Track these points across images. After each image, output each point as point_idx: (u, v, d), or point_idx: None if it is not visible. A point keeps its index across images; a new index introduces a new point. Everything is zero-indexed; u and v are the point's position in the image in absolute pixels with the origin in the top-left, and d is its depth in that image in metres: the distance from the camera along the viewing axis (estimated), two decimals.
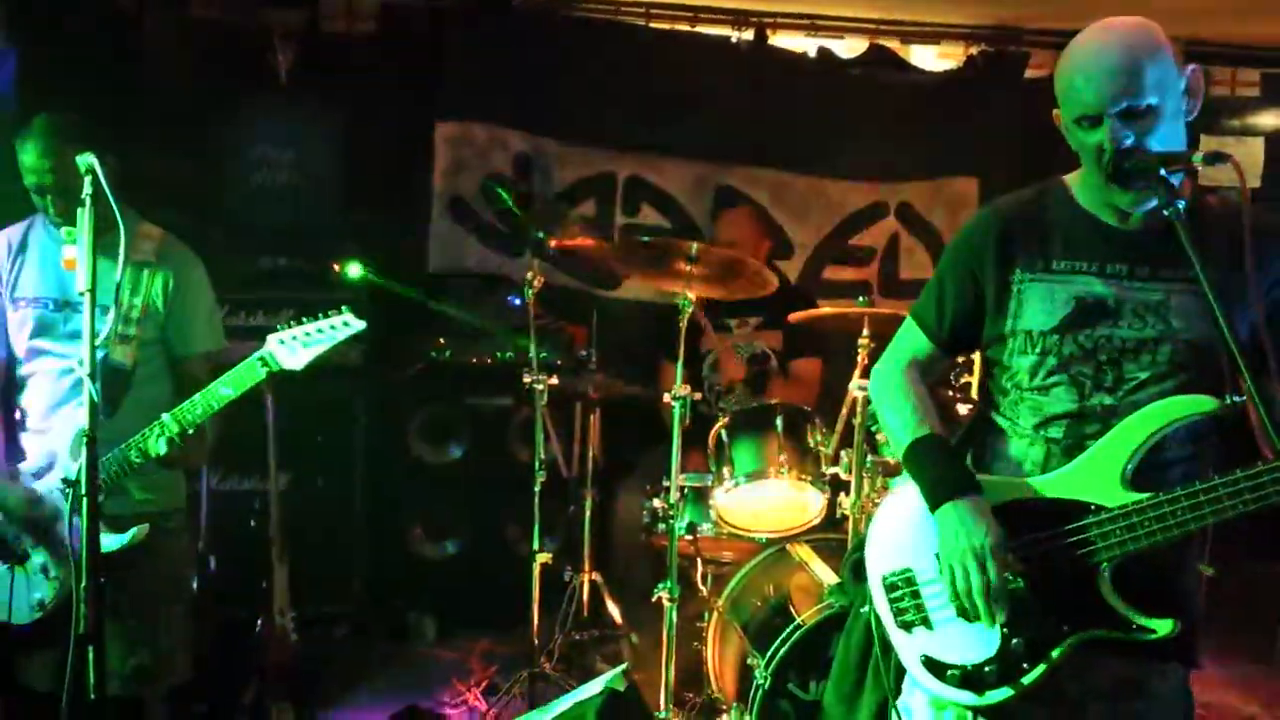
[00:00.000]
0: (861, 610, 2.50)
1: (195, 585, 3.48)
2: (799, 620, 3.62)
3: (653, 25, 5.74)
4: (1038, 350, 2.26)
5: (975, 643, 2.23)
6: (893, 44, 5.92)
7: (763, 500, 4.13)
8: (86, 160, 2.53)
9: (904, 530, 2.39)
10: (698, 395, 3.98)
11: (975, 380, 3.84)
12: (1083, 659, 2.18)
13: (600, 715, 3.35)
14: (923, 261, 5.95)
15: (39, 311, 3.12)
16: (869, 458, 3.84)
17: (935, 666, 2.28)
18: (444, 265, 5.60)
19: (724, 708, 3.95)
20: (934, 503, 2.26)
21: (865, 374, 3.89)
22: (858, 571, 2.48)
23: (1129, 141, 2.09)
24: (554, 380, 4.36)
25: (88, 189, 2.52)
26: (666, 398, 3.86)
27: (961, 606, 2.22)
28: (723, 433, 4.17)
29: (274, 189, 5.05)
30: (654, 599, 3.86)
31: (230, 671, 4.27)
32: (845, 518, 3.88)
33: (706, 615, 4.17)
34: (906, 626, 2.33)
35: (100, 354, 2.94)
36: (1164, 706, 2.28)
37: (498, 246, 5.63)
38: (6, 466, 3.12)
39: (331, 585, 4.95)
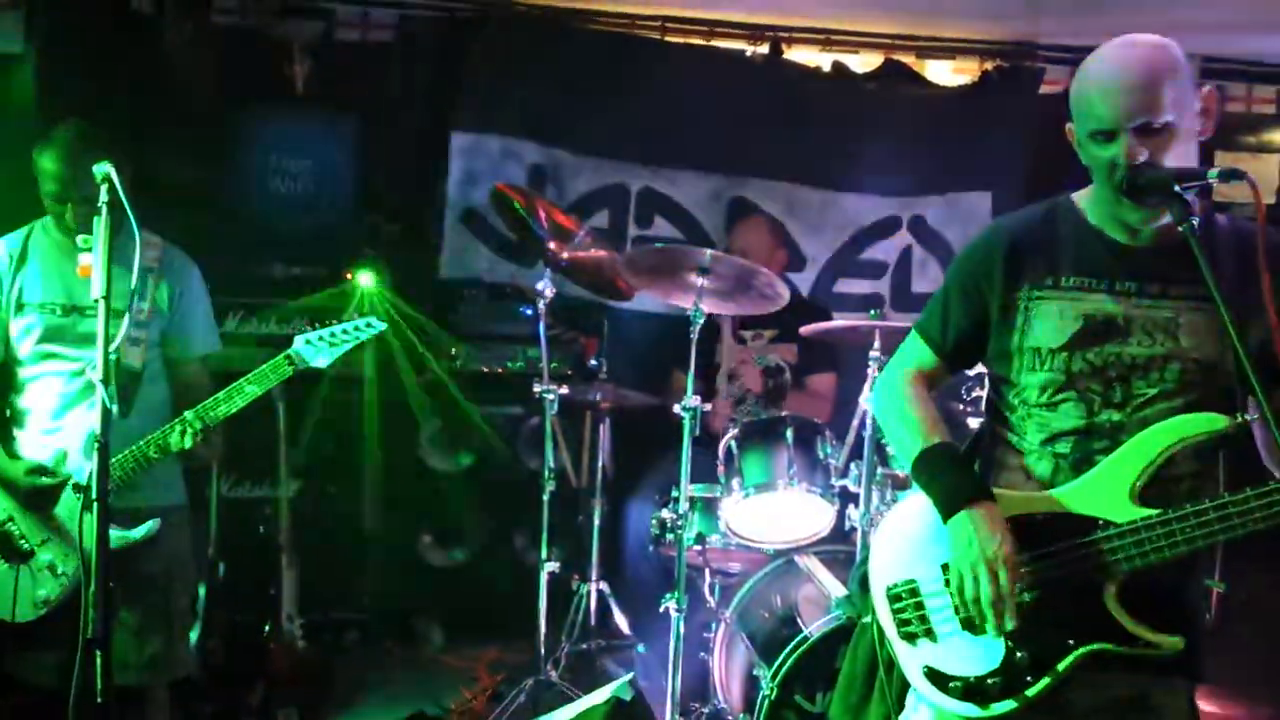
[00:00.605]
0: (865, 622, 2.49)
1: (198, 583, 3.50)
2: (806, 632, 3.62)
3: (668, 39, 5.76)
4: (1046, 367, 2.26)
5: (979, 655, 2.23)
6: (908, 59, 5.92)
7: (772, 511, 4.13)
8: (103, 169, 2.56)
9: (908, 541, 2.39)
10: (708, 406, 3.99)
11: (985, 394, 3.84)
12: (1088, 673, 2.17)
13: None
14: (935, 275, 5.95)
15: (47, 317, 3.15)
16: (879, 470, 3.84)
17: (938, 678, 2.27)
18: (456, 274, 5.62)
19: (730, 719, 3.94)
20: (947, 511, 2.25)
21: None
22: (865, 584, 2.47)
23: (1143, 158, 2.09)
24: (564, 390, 4.37)
25: (104, 197, 2.54)
26: (676, 408, 3.87)
27: (967, 618, 2.22)
28: (733, 443, 4.18)
29: (289, 197, 5.07)
30: (661, 609, 3.87)
31: (238, 676, 4.29)
32: (854, 530, 3.88)
33: (714, 625, 4.16)
34: (910, 638, 2.32)
35: (113, 356, 2.99)
36: (1172, 713, 2.26)
37: (510, 256, 5.64)
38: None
39: (340, 592, 4.97)
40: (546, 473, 4.31)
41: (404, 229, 5.59)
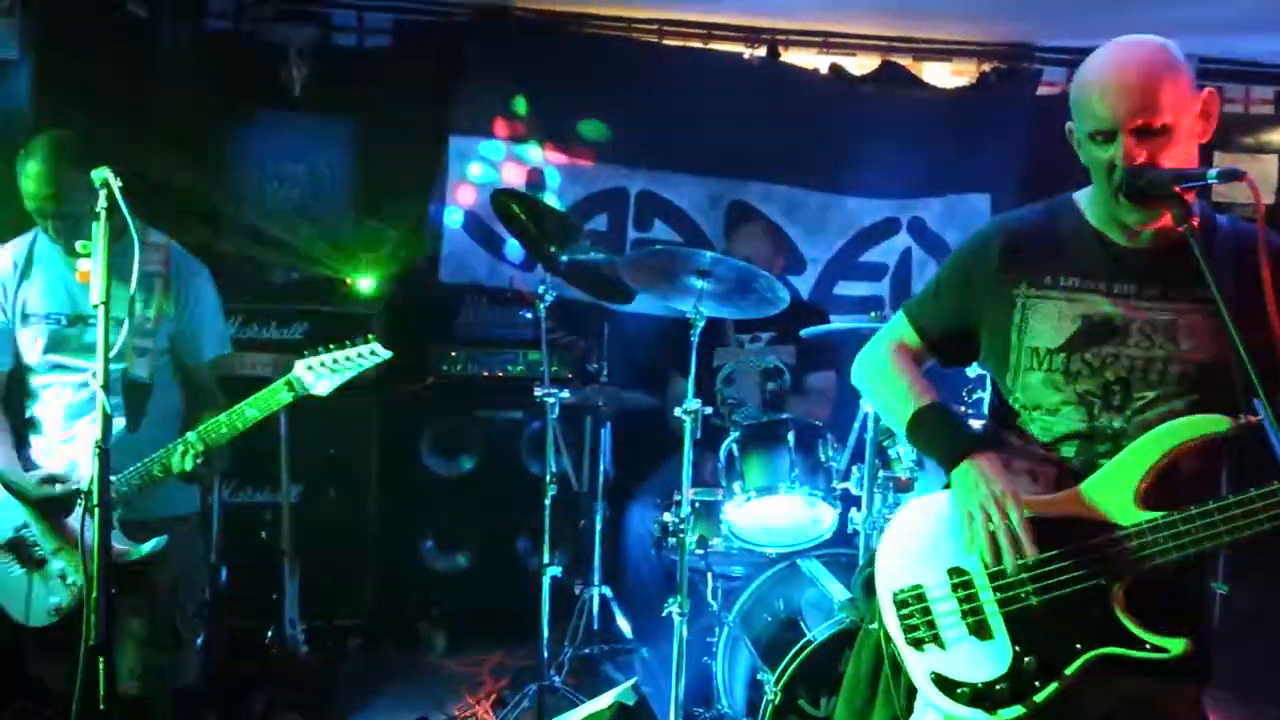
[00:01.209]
0: (871, 627, 2.49)
1: (206, 590, 3.50)
2: (809, 636, 3.61)
3: (666, 42, 5.76)
4: (1044, 368, 2.27)
5: (987, 660, 2.22)
6: (905, 61, 5.93)
7: (774, 515, 4.12)
8: (101, 174, 2.54)
9: (913, 547, 2.38)
10: (709, 409, 3.98)
11: (987, 396, 3.84)
12: (1096, 675, 2.16)
13: None
14: None
15: (51, 327, 3.14)
16: (881, 473, 3.84)
17: (946, 684, 2.26)
18: (456, 279, 5.62)
19: None
20: (951, 461, 2.27)
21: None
22: (868, 587, 2.47)
23: (1141, 159, 2.09)
24: (565, 393, 4.36)
25: (102, 202, 2.53)
26: (678, 411, 3.86)
27: (975, 624, 2.23)
28: (734, 447, 4.17)
29: (287, 202, 5.07)
30: (664, 613, 3.86)
31: (240, 682, 4.28)
32: (856, 533, 3.87)
33: (717, 630, 4.16)
34: (917, 644, 2.31)
35: (119, 367, 2.99)
36: (1178, 711, 2.25)
37: (510, 260, 5.65)
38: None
39: (342, 597, 4.95)
40: (548, 477, 4.30)
41: (403, 234, 5.58)
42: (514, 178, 5.63)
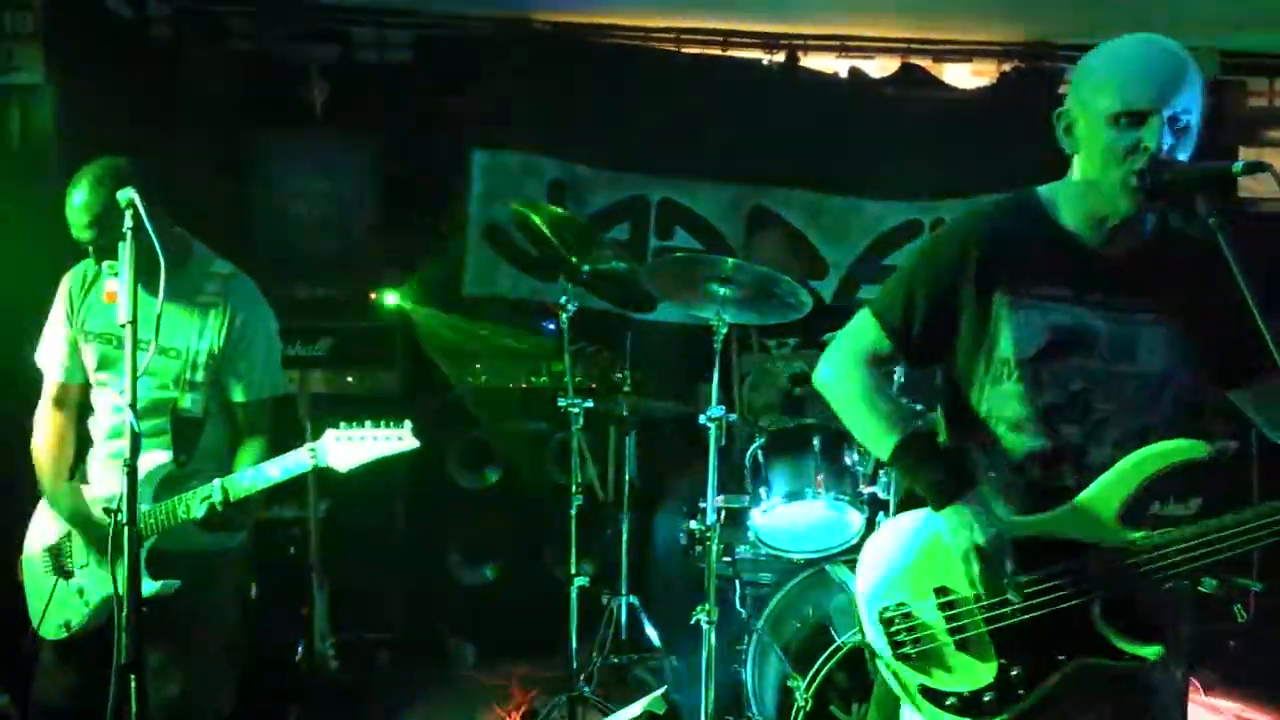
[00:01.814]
0: (855, 639, 2.51)
1: (237, 629, 3.43)
2: (839, 641, 3.59)
3: (684, 50, 5.77)
4: (1013, 378, 2.26)
5: (973, 672, 2.26)
6: (925, 63, 5.91)
7: (801, 521, 4.11)
8: (127, 195, 2.55)
9: (896, 564, 2.39)
10: (734, 416, 3.97)
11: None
12: (1078, 673, 2.21)
13: None
14: None
15: (102, 347, 3.14)
16: None
17: (934, 695, 2.30)
18: (480, 291, 5.64)
19: None
20: (939, 503, 2.26)
21: (901, 392, 3.86)
22: (858, 618, 2.48)
23: (1168, 147, 2.07)
24: (589, 403, 4.36)
25: (128, 223, 2.54)
26: (702, 419, 3.86)
27: (961, 640, 2.26)
28: (759, 453, 4.16)
29: (311, 219, 5.11)
30: (693, 621, 3.85)
31: (272, 698, 4.29)
32: None
33: (746, 637, 4.14)
34: (905, 659, 2.34)
35: (168, 397, 2.99)
36: (1164, 698, 2.31)
37: (532, 271, 5.66)
38: (72, 483, 3.18)
39: (371, 611, 4.96)
40: (574, 487, 4.30)
41: (426, 247, 5.61)
42: (535, 189, 5.64)
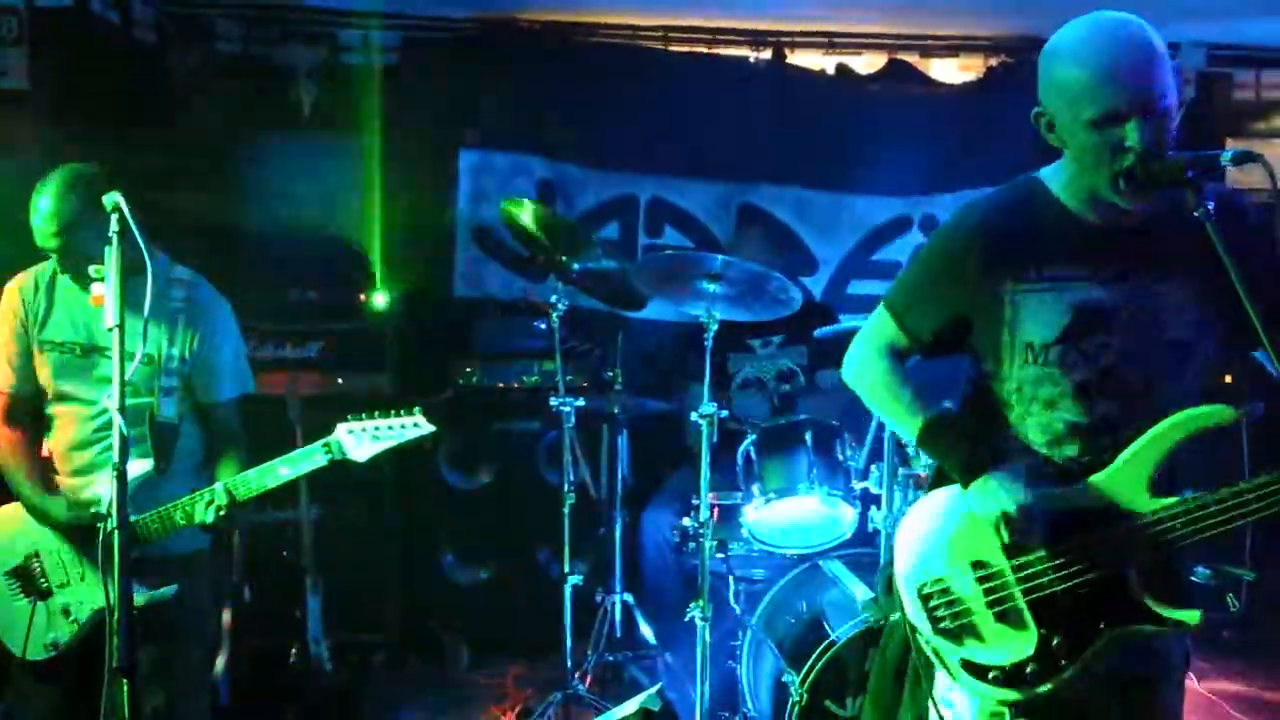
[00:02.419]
0: (893, 618, 2.51)
1: (216, 635, 3.40)
2: (833, 636, 3.60)
3: (671, 49, 5.77)
4: (1040, 362, 2.26)
5: (1014, 644, 2.26)
6: (912, 58, 5.93)
7: (793, 516, 4.12)
8: (112, 199, 2.54)
9: (932, 541, 2.39)
10: (725, 413, 3.98)
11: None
12: (1118, 641, 2.22)
13: None
14: None
15: (65, 356, 3.09)
16: (900, 471, 3.82)
17: (976, 669, 2.30)
18: (470, 292, 5.65)
19: None
20: (969, 477, 2.28)
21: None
22: (891, 586, 2.48)
23: (1151, 136, 2.07)
24: (581, 402, 4.36)
25: (114, 227, 2.53)
26: (694, 416, 3.86)
27: (1000, 611, 2.26)
28: (751, 450, 4.16)
29: (299, 222, 5.09)
30: (687, 618, 3.86)
31: (266, 700, 4.29)
32: (877, 532, 3.85)
33: (740, 633, 4.15)
34: (945, 634, 2.34)
35: (144, 402, 2.97)
36: (1172, 662, 2.36)
37: (522, 272, 5.66)
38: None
39: (365, 613, 4.96)
40: (566, 486, 4.31)
41: (415, 249, 5.60)
42: (524, 189, 5.64)
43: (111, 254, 2.51)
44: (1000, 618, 2.27)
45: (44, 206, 2.92)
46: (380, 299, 5.18)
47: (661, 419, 4.95)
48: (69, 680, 3.04)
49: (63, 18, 4.60)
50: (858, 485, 4.03)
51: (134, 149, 4.67)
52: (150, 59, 5.31)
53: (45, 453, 3.17)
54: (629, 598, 4.78)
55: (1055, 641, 2.22)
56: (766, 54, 5.83)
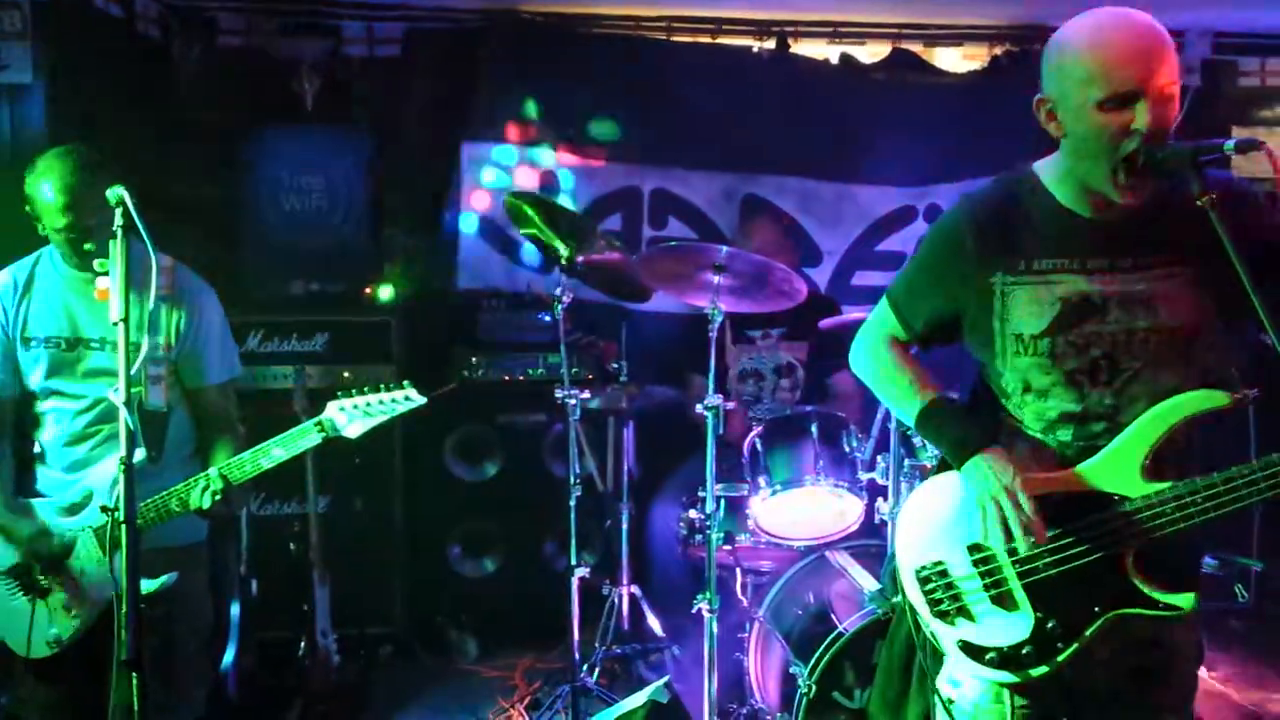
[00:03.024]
0: (895, 600, 2.53)
1: (210, 628, 3.37)
2: (841, 628, 3.60)
3: (675, 39, 5.76)
4: (1030, 353, 2.28)
5: (1011, 627, 2.30)
6: (916, 47, 5.91)
7: (800, 508, 4.12)
8: (117, 192, 2.54)
9: (932, 525, 2.44)
10: (730, 404, 3.97)
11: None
12: (1110, 627, 2.24)
13: None
14: None
15: (52, 351, 3.06)
16: (906, 462, 3.82)
17: (974, 650, 2.34)
18: (474, 284, 5.65)
19: (768, 718, 3.93)
20: (960, 459, 2.32)
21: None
22: (898, 577, 2.51)
23: (1158, 121, 2.07)
24: (586, 395, 4.36)
25: (119, 220, 2.53)
26: (699, 407, 3.86)
27: (997, 595, 2.29)
28: (758, 441, 4.16)
29: (304, 214, 5.08)
30: (694, 610, 3.86)
31: (274, 694, 4.30)
32: (884, 523, 3.85)
33: (747, 625, 4.15)
34: (943, 616, 2.38)
35: (132, 392, 2.95)
36: (1182, 654, 2.36)
37: (526, 264, 5.66)
38: (18, 499, 3.08)
39: (372, 606, 4.97)
40: (572, 479, 4.30)
41: (420, 241, 5.61)
42: (527, 181, 5.65)
43: (116, 247, 2.52)
44: (997, 601, 2.31)
45: (51, 188, 2.90)
46: (385, 291, 5.18)
47: (667, 411, 4.94)
48: (71, 678, 3.03)
49: (66, 12, 4.58)
50: (864, 476, 4.03)
51: (137, 142, 4.67)
52: (153, 53, 5.30)
53: (36, 449, 3.15)
54: (636, 590, 4.78)
55: (1051, 625, 2.26)
56: (770, 44, 5.82)
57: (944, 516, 2.41)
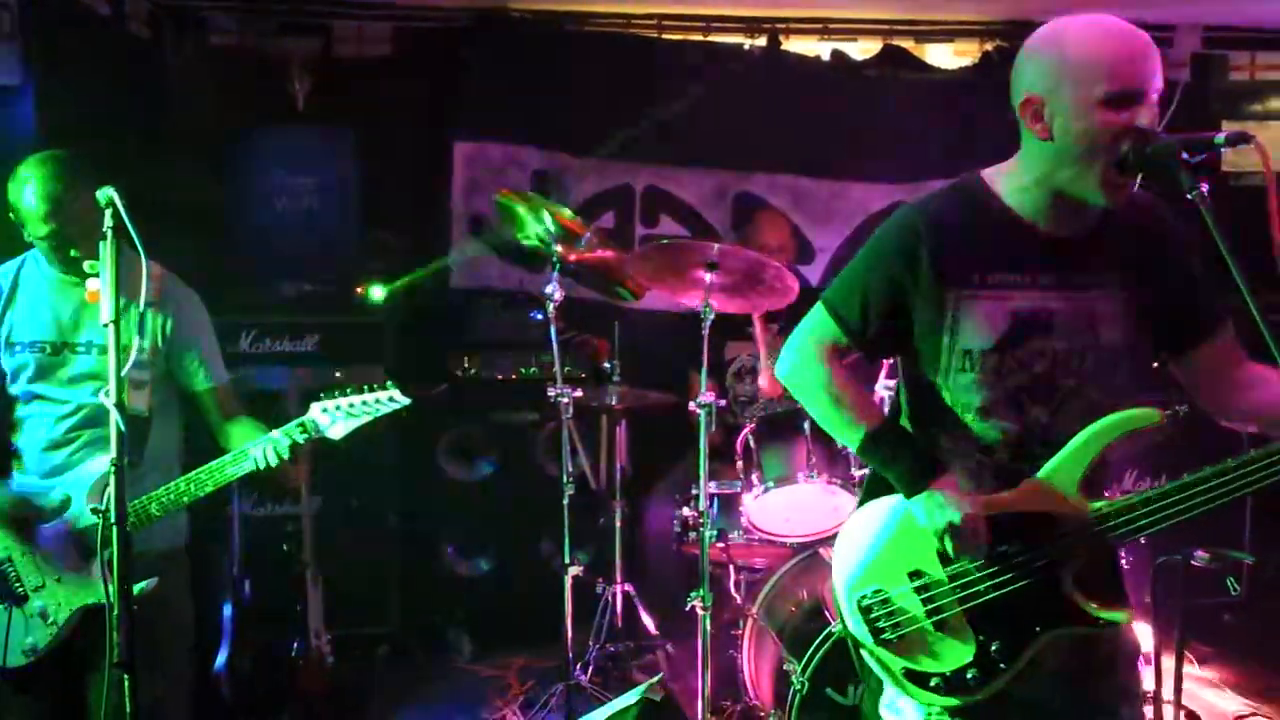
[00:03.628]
0: (837, 630, 2.52)
1: (191, 633, 3.35)
2: (834, 625, 3.60)
3: (665, 36, 5.76)
4: (978, 368, 2.25)
5: (953, 651, 2.29)
6: (907, 44, 5.91)
7: (793, 505, 4.12)
8: (106, 194, 2.53)
9: (869, 553, 2.40)
10: (723, 402, 3.97)
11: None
12: (1055, 642, 2.25)
13: None
14: None
15: (36, 356, 3.05)
16: None
17: (918, 677, 2.33)
18: (466, 283, 5.64)
19: (762, 715, 3.93)
20: (912, 489, 2.27)
21: (891, 374, 3.87)
22: (838, 607, 2.49)
23: (1151, 123, 2.08)
24: (579, 393, 4.36)
25: (109, 222, 2.52)
26: (692, 406, 3.86)
27: (938, 621, 2.28)
28: (750, 439, 4.16)
29: (295, 214, 5.07)
30: (687, 608, 3.86)
31: (268, 695, 4.29)
32: None
33: (741, 622, 4.15)
34: (886, 644, 2.36)
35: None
36: (1121, 649, 2.37)
37: (518, 262, 5.65)
38: None
39: (366, 606, 4.96)
40: (565, 477, 4.30)
41: (412, 241, 5.60)
42: (518, 180, 5.63)
43: (106, 249, 2.51)
44: (939, 627, 2.30)
45: (33, 193, 2.89)
46: (377, 291, 5.18)
47: (660, 409, 4.94)
48: (49, 688, 3.01)
49: (55, 12, 4.57)
50: (857, 473, 4.04)
51: (127, 142, 4.66)
52: (144, 52, 5.29)
53: (13, 453, 3.13)
54: (630, 588, 4.78)
55: (994, 647, 2.25)
56: (761, 41, 5.82)
57: (881, 544, 2.38)
